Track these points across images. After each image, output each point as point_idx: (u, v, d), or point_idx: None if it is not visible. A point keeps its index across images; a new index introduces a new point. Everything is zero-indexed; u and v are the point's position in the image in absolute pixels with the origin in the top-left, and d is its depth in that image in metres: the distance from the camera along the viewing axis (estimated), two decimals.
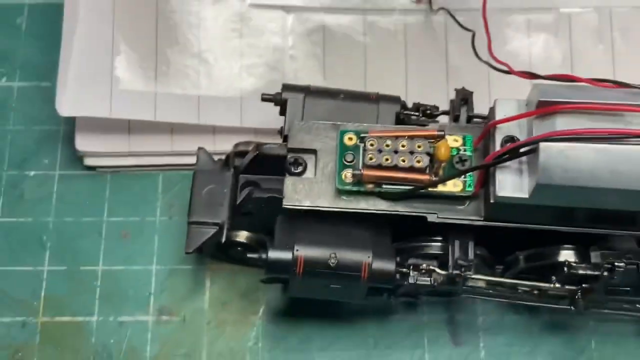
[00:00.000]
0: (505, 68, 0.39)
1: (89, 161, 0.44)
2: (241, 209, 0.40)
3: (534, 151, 0.35)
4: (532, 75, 0.37)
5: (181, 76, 0.45)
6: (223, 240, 0.40)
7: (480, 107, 0.40)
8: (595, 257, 0.38)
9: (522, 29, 0.46)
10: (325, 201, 0.38)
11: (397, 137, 0.37)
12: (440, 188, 0.37)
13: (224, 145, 0.43)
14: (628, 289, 0.39)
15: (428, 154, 0.37)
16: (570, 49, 0.45)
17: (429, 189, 0.37)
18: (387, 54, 0.46)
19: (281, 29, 0.46)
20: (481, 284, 0.39)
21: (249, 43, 0.45)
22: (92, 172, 0.45)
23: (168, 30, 0.45)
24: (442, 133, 0.37)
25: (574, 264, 0.38)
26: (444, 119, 0.41)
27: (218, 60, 0.45)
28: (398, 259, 0.38)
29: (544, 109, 0.35)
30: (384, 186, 0.37)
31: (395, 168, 0.37)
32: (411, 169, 0.37)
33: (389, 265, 0.37)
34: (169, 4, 0.45)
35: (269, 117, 0.42)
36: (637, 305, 0.40)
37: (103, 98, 0.44)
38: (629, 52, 0.45)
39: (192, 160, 0.42)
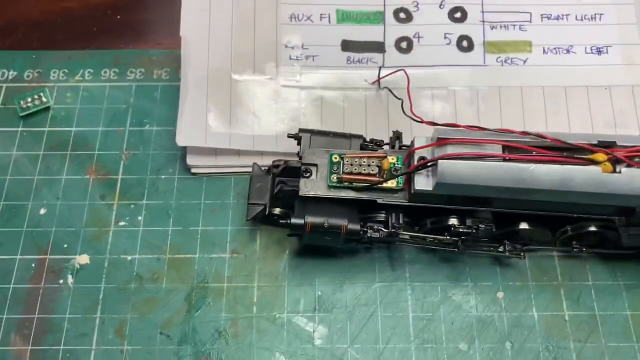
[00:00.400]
0: (419, 120, 0.39)
1: (193, 170, 0.44)
2: (276, 196, 0.40)
3: (435, 164, 0.36)
4: (434, 124, 0.38)
5: (243, 124, 0.44)
6: (266, 212, 0.40)
7: (406, 140, 0.40)
8: (469, 222, 0.38)
9: (429, 98, 0.45)
10: (322, 192, 0.38)
11: (361, 157, 0.38)
12: (385, 185, 0.38)
13: (266, 161, 0.42)
14: (486, 239, 0.40)
15: (378, 166, 0.38)
16: (455, 109, 0.45)
17: (378, 185, 0.38)
18: (355, 112, 0.45)
19: (298, 99, 0.45)
20: (406, 236, 0.39)
21: (281, 106, 0.45)
22: (195, 176, 0.44)
23: (237, 99, 0.45)
24: (385, 155, 0.38)
25: (457, 226, 0.38)
26: (386, 147, 0.40)
27: (264, 115, 0.45)
28: (361, 223, 0.38)
29: (441, 141, 0.36)
30: (354, 183, 0.38)
31: (360, 173, 0.38)
32: (368, 174, 0.38)
33: (356, 227, 0.38)
34: (237, 86, 0.45)
35: (291, 146, 0.41)
36: (491, 248, 0.40)
37: (201, 135, 0.43)
38: (487, 110, 0.45)
39: (249, 169, 0.42)
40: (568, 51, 0.46)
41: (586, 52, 0.46)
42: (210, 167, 0.44)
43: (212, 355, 0.39)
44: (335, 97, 0.46)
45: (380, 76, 0.45)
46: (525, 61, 0.46)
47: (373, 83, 0.46)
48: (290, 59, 0.46)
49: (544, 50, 0.46)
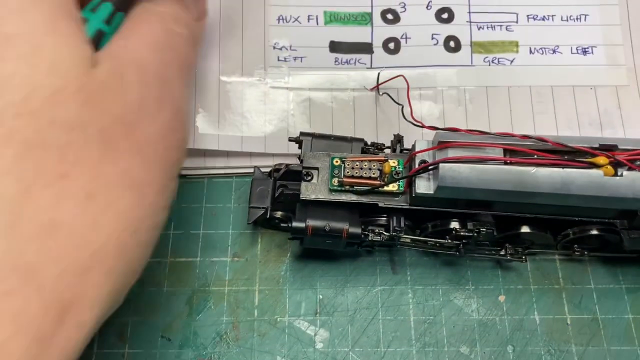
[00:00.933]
0: (420, 124, 0.39)
1: (182, 172, 0.43)
2: (277, 200, 0.40)
3: (436, 168, 0.35)
4: (435, 128, 0.37)
5: (232, 125, 0.44)
6: (268, 216, 0.40)
7: (407, 144, 0.40)
8: (470, 225, 0.38)
9: (417, 99, 0.45)
10: (323, 195, 0.38)
11: (362, 160, 0.38)
12: (386, 188, 0.37)
13: (255, 163, 0.42)
14: (487, 242, 0.40)
15: (379, 169, 0.37)
16: (443, 109, 0.45)
17: (380, 189, 0.37)
18: (343, 113, 0.45)
19: (286, 100, 0.45)
20: (408, 240, 0.39)
21: (269, 107, 0.45)
22: (195, 179, 0.44)
23: (225, 100, 0.44)
24: (386, 158, 0.38)
25: (458, 229, 0.38)
26: (387, 151, 0.40)
27: (252, 117, 0.44)
28: (362, 227, 0.38)
29: (442, 145, 0.36)
30: (355, 187, 0.38)
31: (361, 177, 0.37)
32: (370, 178, 0.37)
33: (357, 230, 0.38)
34: (226, 87, 0.45)
35: (280, 147, 0.42)
36: (492, 251, 0.40)
37: (190, 137, 0.43)
38: (475, 110, 0.45)
39: (238, 171, 0.42)
40: (554, 51, 0.46)
41: (572, 52, 0.46)
42: (198, 169, 0.44)
43: (213, 358, 0.38)
44: (323, 98, 0.45)
45: (380, 82, 0.45)
46: (512, 61, 0.46)
47: (372, 89, 0.45)
48: (279, 60, 0.46)
49: (530, 51, 0.46)
